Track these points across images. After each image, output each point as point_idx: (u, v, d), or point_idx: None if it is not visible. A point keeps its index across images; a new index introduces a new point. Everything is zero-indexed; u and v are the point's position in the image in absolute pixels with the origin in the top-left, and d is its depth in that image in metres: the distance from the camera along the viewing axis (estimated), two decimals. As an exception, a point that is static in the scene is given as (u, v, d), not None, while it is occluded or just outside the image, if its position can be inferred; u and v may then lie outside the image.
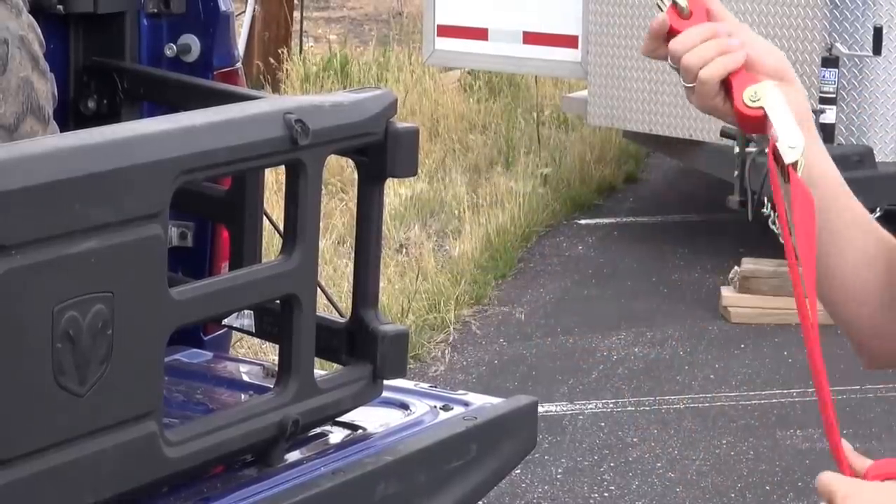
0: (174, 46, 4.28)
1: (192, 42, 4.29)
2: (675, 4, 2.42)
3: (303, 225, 3.55)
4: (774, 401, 8.29)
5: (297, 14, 14.20)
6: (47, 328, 2.95)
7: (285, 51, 13.48)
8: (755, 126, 2.38)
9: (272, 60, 13.14)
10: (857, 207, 2.48)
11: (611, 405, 8.04)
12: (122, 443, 3.12)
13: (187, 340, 3.95)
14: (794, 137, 2.30)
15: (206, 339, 4.11)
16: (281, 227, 3.63)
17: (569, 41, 11.29)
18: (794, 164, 2.27)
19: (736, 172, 9.80)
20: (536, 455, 3.97)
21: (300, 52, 13.87)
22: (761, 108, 2.37)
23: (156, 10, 4.28)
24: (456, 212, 10.97)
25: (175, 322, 3.31)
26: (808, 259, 2.18)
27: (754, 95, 2.36)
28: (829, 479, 2.11)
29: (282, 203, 3.55)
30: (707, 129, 10.11)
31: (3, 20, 3.75)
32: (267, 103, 3.74)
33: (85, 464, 3.07)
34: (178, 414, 3.41)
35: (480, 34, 12.09)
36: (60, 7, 4.16)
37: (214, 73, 4.26)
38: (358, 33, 16.50)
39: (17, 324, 2.90)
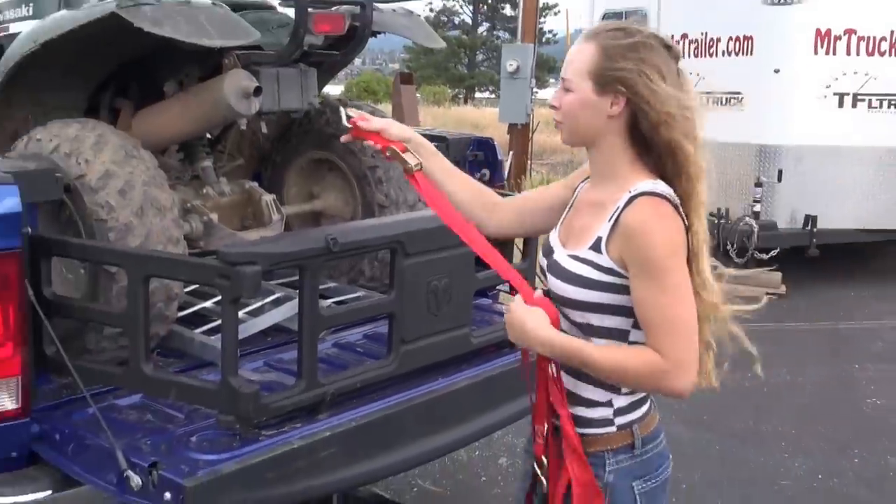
0: (479, 175, 4.26)
1: (486, 173, 4.29)
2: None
3: (530, 249, 3.58)
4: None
5: (529, 161, 14.15)
6: (424, 289, 3.01)
7: (524, 177, 13.41)
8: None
9: (518, 181, 13.08)
10: (460, 173, 2.46)
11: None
12: (454, 336, 3.16)
13: (482, 294, 3.91)
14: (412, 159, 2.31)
15: (489, 294, 4.08)
16: (521, 249, 3.66)
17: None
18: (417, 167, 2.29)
19: (717, 231, 9.43)
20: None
21: (529, 177, 13.79)
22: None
23: (471, 159, 4.31)
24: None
25: (476, 287, 3.31)
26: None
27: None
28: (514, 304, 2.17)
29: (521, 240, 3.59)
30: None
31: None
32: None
33: (439, 345, 3.12)
34: (477, 324, 3.39)
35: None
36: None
37: (496, 186, 4.22)
38: (557, 170, 16.39)
39: (414, 288, 2.95)
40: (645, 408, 2.23)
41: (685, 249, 2.07)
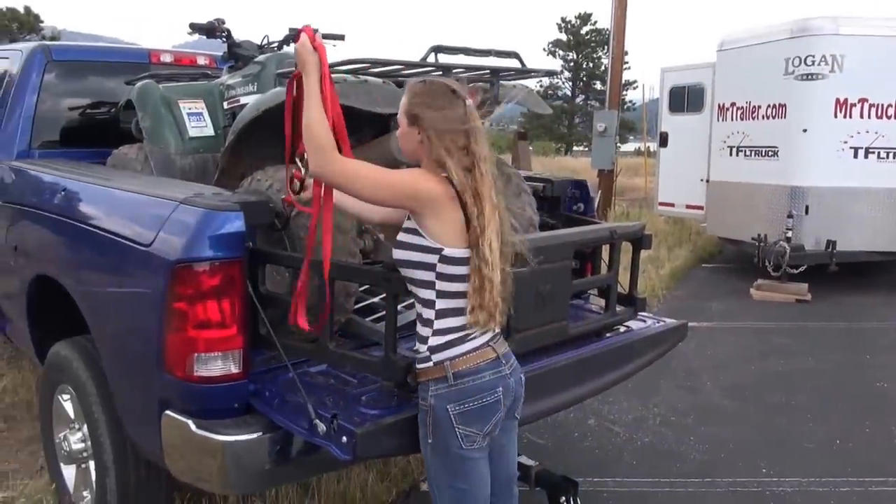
0: (576, 207, 4.17)
1: (581, 206, 4.21)
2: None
3: (615, 263, 3.47)
4: (764, 323, 7.73)
5: (613, 198, 13.89)
6: (534, 292, 2.93)
7: (609, 209, 13.19)
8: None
9: (604, 212, 12.86)
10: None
11: (707, 325, 7.60)
12: (554, 327, 3.05)
13: (576, 296, 3.76)
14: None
15: (583, 296, 3.95)
16: (606, 263, 3.56)
17: (700, 207, 10.79)
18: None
19: (757, 251, 9.21)
20: (686, 340, 3.77)
21: (613, 209, 13.55)
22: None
23: (570, 195, 4.21)
24: (660, 259, 10.56)
25: (572, 291, 3.21)
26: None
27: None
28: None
29: (606, 256, 3.49)
30: (746, 234, 9.32)
31: (528, 203, 3.69)
32: (604, 226, 3.63)
33: (544, 333, 3.02)
34: (573, 318, 3.31)
35: (671, 205, 11.62)
36: (542, 194, 4.08)
37: (588, 216, 4.11)
38: (634, 204, 16.02)
39: (525, 291, 2.85)
40: (463, 348, 2.26)
41: (417, 194, 2.17)
